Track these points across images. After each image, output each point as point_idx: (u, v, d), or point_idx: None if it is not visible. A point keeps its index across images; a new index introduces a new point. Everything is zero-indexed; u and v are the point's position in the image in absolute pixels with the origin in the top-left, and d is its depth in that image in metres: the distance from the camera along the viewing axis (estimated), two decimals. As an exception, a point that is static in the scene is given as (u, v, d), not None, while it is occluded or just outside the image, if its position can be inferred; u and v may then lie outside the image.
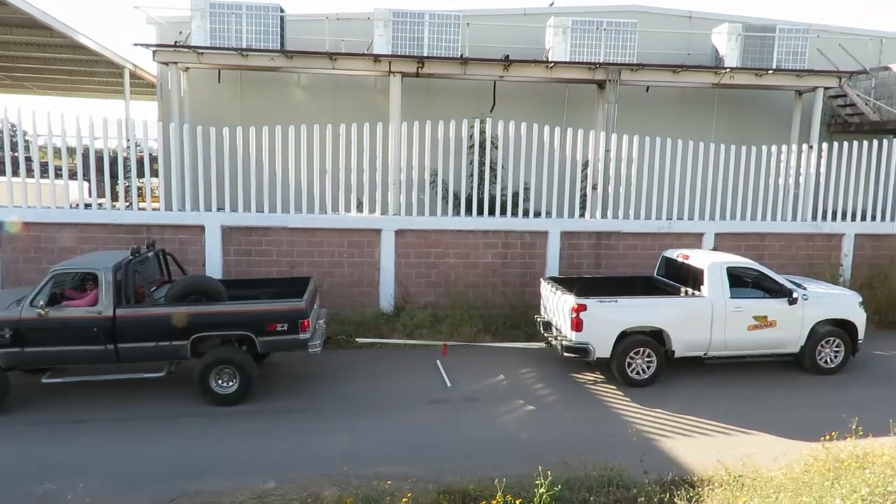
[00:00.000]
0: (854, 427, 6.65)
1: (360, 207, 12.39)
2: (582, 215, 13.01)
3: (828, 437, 6.57)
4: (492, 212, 12.50)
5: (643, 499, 5.69)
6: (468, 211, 12.68)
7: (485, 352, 10.50)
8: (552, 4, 18.09)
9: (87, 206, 11.36)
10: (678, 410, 8.18)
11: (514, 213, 12.49)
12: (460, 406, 8.37)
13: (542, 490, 5.22)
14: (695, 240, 12.79)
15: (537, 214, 12.76)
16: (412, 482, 6.14)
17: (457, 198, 13.41)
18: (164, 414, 7.97)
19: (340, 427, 7.68)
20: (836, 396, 8.71)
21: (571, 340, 9.04)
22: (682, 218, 13.11)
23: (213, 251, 11.40)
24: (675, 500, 5.59)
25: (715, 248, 12.43)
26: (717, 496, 5.56)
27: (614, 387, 9.05)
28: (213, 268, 11.37)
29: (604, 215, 12.74)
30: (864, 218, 13.63)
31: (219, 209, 11.90)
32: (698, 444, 7.24)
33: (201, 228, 11.39)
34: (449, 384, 9.09)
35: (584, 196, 13.36)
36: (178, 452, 6.99)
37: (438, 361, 9.95)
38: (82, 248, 11.01)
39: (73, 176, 16.96)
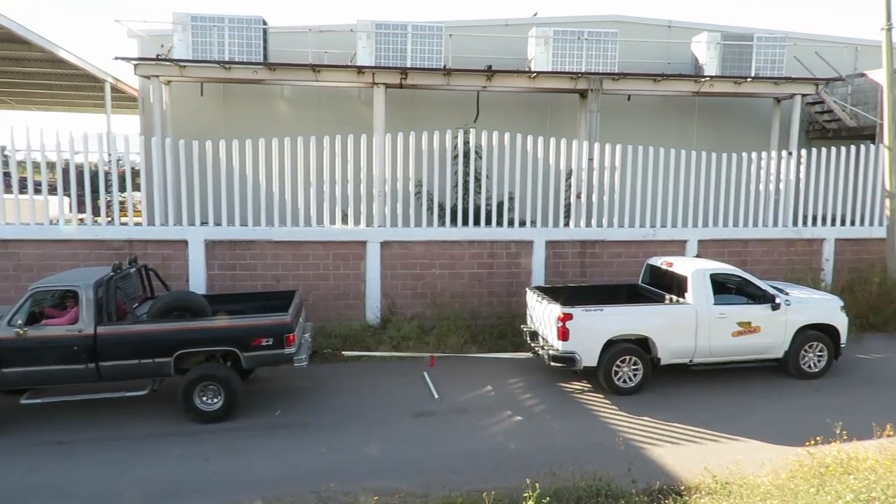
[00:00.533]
0: (838, 431, 6.71)
1: (345, 219, 12.35)
2: (566, 224, 13.07)
3: (813, 443, 6.61)
4: (477, 222, 12.53)
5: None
6: (453, 221, 12.69)
7: (472, 363, 10.48)
8: (535, 15, 18.23)
9: (68, 221, 11.20)
10: (665, 418, 8.21)
11: (500, 223, 12.52)
12: (448, 418, 8.33)
13: (530, 502, 5.19)
14: (678, 247, 12.90)
15: (522, 224, 12.80)
16: (401, 497, 6.09)
17: (442, 208, 13.42)
18: (147, 433, 7.84)
19: (327, 442, 7.61)
20: (821, 400, 8.79)
21: (558, 350, 9.05)
22: (665, 226, 13.21)
23: (196, 266, 11.29)
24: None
25: (698, 255, 12.53)
26: (706, 501, 5.57)
27: (601, 395, 9.06)
28: (197, 283, 11.26)
29: (588, 224, 12.81)
30: (843, 223, 13.82)
31: (202, 223, 11.80)
32: (686, 452, 7.26)
33: (184, 243, 11.29)
34: (436, 396, 9.05)
35: (568, 205, 13.43)
36: (162, 472, 6.87)
37: (426, 373, 9.91)
38: (62, 265, 10.85)
39: (52, 191, 16.78)
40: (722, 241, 13.13)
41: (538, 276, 12.35)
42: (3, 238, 10.77)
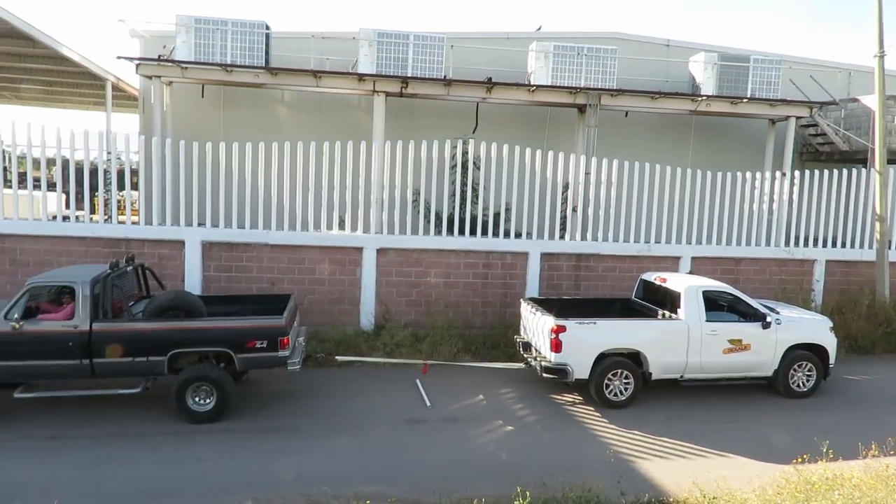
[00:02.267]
0: (825, 450, 6.80)
1: (342, 225, 12.42)
2: (562, 237, 13.18)
3: (800, 460, 6.71)
4: (473, 232, 12.62)
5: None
6: (450, 231, 12.78)
7: (465, 372, 10.53)
8: (539, 29, 18.43)
9: (66, 218, 11.21)
10: (655, 432, 8.28)
11: (496, 234, 12.62)
12: (439, 426, 8.38)
13: (521, 512, 5.25)
14: (672, 263, 13.02)
15: (518, 235, 12.91)
16: (391, 502, 6.12)
17: (439, 217, 13.50)
18: (140, 431, 7.86)
19: (319, 446, 7.64)
20: (809, 419, 8.89)
21: (550, 361, 9.11)
22: (659, 241, 13.35)
23: (192, 266, 11.32)
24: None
25: (691, 272, 12.65)
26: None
27: (593, 408, 9.13)
28: (193, 283, 11.28)
29: (583, 237, 12.92)
30: (835, 244, 13.99)
31: (199, 224, 11.84)
32: (674, 466, 7.34)
33: (181, 243, 11.32)
34: (428, 404, 9.09)
35: (564, 218, 13.54)
36: (154, 471, 6.89)
37: (418, 381, 9.96)
38: (59, 261, 10.85)
39: (51, 187, 16.76)
40: (715, 258, 13.27)
41: (533, 288, 12.44)
42: (1, 233, 10.76)
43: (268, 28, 15.04)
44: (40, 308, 8.22)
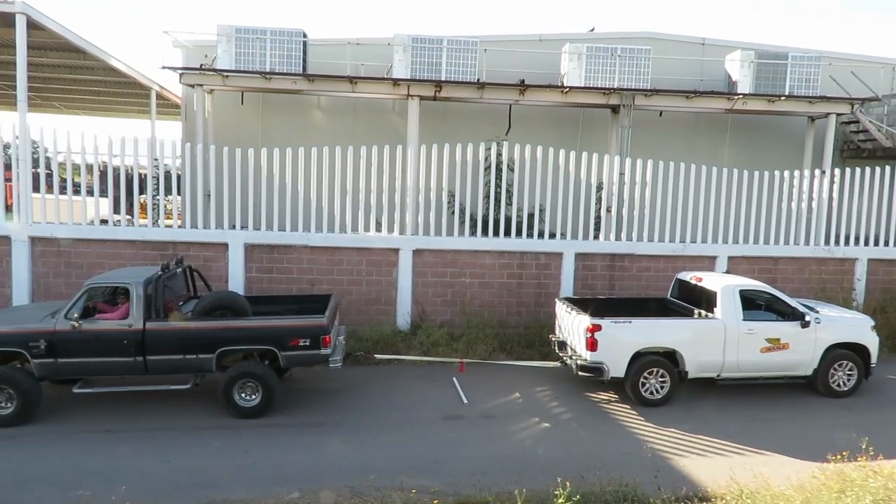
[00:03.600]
0: (864, 447, 6.75)
1: (378, 227, 12.69)
2: (596, 237, 13.22)
3: (839, 458, 6.68)
4: (507, 233, 12.76)
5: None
6: (484, 232, 12.95)
7: (500, 370, 10.68)
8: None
9: (116, 222, 11.73)
10: (692, 430, 8.31)
11: (530, 235, 12.74)
12: (477, 422, 8.55)
13: (560, 500, 5.38)
14: (708, 263, 12.95)
15: (552, 236, 13.00)
16: (432, 493, 6.31)
17: (473, 219, 13.68)
18: (189, 425, 8.21)
19: (360, 440, 7.89)
20: (849, 419, 8.79)
21: (586, 360, 9.21)
22: (695, 241, 13.29)
23: (235, 268, 11.72)
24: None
25: (728, 271, 12.56)
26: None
27: (628, 406, 9.19)
28: (236, 284, 11.67)
29: (618, 237, 12.95)
30: (877, 243, 13.72)
31: (242, 227, 12.24)
32: (711, 463, 7.36)
33: (225, 246, 11.73)
34: (465, 401, 9.27)
35: (598, 218, 13.58)
36: (203, 463, 7.21)
37: (455, 378, 10.14)
38: (110, 263, 11.37)
39: (101, 193, 17.45)
40: (752, 258, 13.15)
41: (567, 288, 12.52)
42: (55, 237, 11.33)
43: (305, 36, 15.44)
44: (97, 308, 8.66)
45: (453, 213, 13.89)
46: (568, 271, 12.55)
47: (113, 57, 15.09)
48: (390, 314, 12.23)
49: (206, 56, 16.15)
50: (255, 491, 6.58)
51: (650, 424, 8.51)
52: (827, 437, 8.00)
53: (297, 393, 9.43)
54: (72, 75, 17.54)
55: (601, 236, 13.08)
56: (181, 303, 9.32)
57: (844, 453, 6.74)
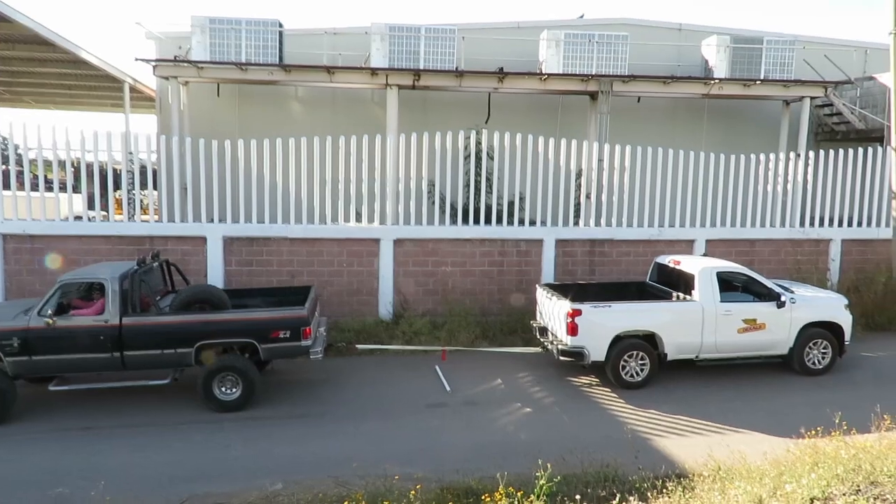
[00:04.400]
0: (837, 421, 6.89)
1: (358, 218, 12.64)
2: (576, 223, 13.29)
3: (814, 433, 6.81)
4: (488, 221, 12.78)
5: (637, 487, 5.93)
6: (465, 220, 12.95)
7: (482, 357, 10.73)
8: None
9: (92, 218, 11.55)
10: (671, 411, 8.43)
11: (510, 222, 12.77)
12: (460, 410, 8.58)
13: (541, 481, 5.43)
14: (686, 246, 13.09)
15: (532, 223, 13.05)
16: (415, 480, 6.33)
17: (453, 207, 13.68)
18: (170, 420, 8.15)
19: (343, 431, 7.89)
20: (825, 396, 8.95)
21: (567, 344, 9.28)
22: (673, 225, 13.41)
23: (214, 261, 11.61)
24: (668, 487, 5.81)
25: (706, 254, 12.71)
26: (708, 486, 5.79)
27: (609, 389, 9.29)
28: (215, 278, 11.57)
29: (597, 223, 13.02)
30: (850, 224, 13.95)
31: (220, 220, 12.12)
32: (691, 443, 7.48)
33: (203, 239, 11.61)
34: (448, 389, 9.30)
35: (577, 205, 13.65)
36: (186, 457, 7.17)
37: (437, 367, 10.16)
38: (86, 259, 11.19)
39: (74, 189, 17.16)
40: (729, 240, 13.32)
41: (548, 274, 12.58)
42: (29, 233, 11.13)
43: (281, 26, 15.25)
44: (72, 304, 8.53)
45: (434, 202, 13.87)
46: (548, 258, 12.61)
47: (83, 49, 14.79)
48: (372, 304, 12.21)
49: (180, 47, 15.90)
50: (237, 484, 6.56)
51: (630, 406, 8.62)
52: (804, 415, 8.12)
53: (279, 385, 9.40)
54: (42, 69, 17.17)
55: (581, 222, 13.16)
56: (158, 297, 9.21)
57: (818, 429, 6.87)
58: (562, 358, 9.38)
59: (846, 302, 10.14)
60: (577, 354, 9.23)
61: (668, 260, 10.61)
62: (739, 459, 6.34)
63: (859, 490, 4.84)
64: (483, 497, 5.59)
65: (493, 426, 8.05)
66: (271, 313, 8.62)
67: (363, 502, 5.63)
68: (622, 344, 9.25)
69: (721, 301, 9.49)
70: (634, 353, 9.28)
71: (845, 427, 6.67)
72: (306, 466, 6.92)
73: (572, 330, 9.15)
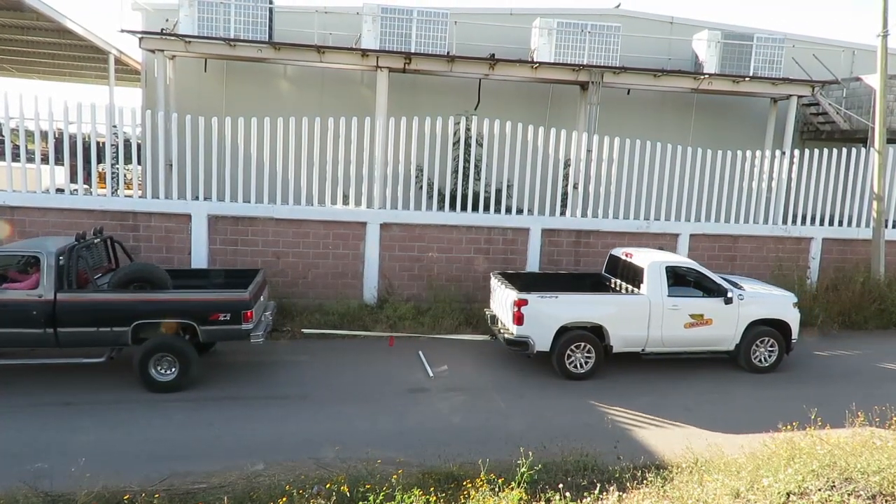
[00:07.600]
0: (813, 417, 7.04)
1: (345, 200, 12.58)
2: (563, 213, 13.34)
3: (787, 428, 6.96)
4: (475, 208, 12.79)
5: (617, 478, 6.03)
6: (452, 206, 12.94)
7: (466, 344, 10.78)
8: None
9: (74, 192, 11.37)
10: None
11: (497, 210, 12.79)
12: (441, 395, 8.64)
13: (523, 469, 5.51)
14: (670, 240, 13.21)
15: (519, 211, 13.08)
16: (397, 464, 6.38)
17: (441, 193, 13.66)
18: (151, 398, 8.08)
19: (325, 413, 7.91)
20: (791, 391, 9.10)
21: (513, 334, 9.33)
22: (659, 218, 13.52)
23: (199, 240, 11.50)
24: (647, 478, 5.92)
25: (690, 249, 12.83)
26: (686, 477, 5.91)
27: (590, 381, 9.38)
28: (199, 256, 11.48)
29: (584, 214, 13.09)
30: (832, 223, 14.16)
31: (205, 198, 12.00)
32: (665, 434, 7.61)
33: (188, 217, 11.48)
34: (431, 374, 9.35)
35: (565, 194, 13.70)
36: (166, 435, 7.15)
37: (420, 352, 10.20)
38: (67, 233, 11.01)
39: (58, 161, 16.88)
40: (713, 235, 13.45)
41: (533, 263, 12.65)
42: (9, 205, 10.93)
43: (271, 2, 15.02)
44: (8, 277, 8.38)
45: (421, 187, 13.84)
46: (534, 247, 12.66)
47: (68, 18, 14.49)
48: (357, 288, 12.20)
49: (167, 20, 15.59)
50: (218, 463, 6.55)
51: (612, 398, 8.73)
52: (748, 412, 8.25)
53: (262, 366, 9.38)
54: (25, 37, 16.80)
55: (567, 212, 13.21)
56: (100, 275, 9.00)
57: (794, 423, 7.02)
58: (508, 346, 9.45)
59: (795, 300, 10.17)
60: (522, 344, 9.25)
61: (621, 252, 10.63)
62: (717, 453, 6.47)
63: (834, 486, 4.97)
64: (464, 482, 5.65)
65: (474, 412, 8.09)
66: (210, 295, 8.51)
67: (344, 486, 5.66)
68: (568, 335, 9.25)
69: (669, 296, 9.53)
70: (581, 344, 9.30)
71: (820, 423, 6.82)
72: (288, 448, 6.92)
73: (518, 319, 9.18)
